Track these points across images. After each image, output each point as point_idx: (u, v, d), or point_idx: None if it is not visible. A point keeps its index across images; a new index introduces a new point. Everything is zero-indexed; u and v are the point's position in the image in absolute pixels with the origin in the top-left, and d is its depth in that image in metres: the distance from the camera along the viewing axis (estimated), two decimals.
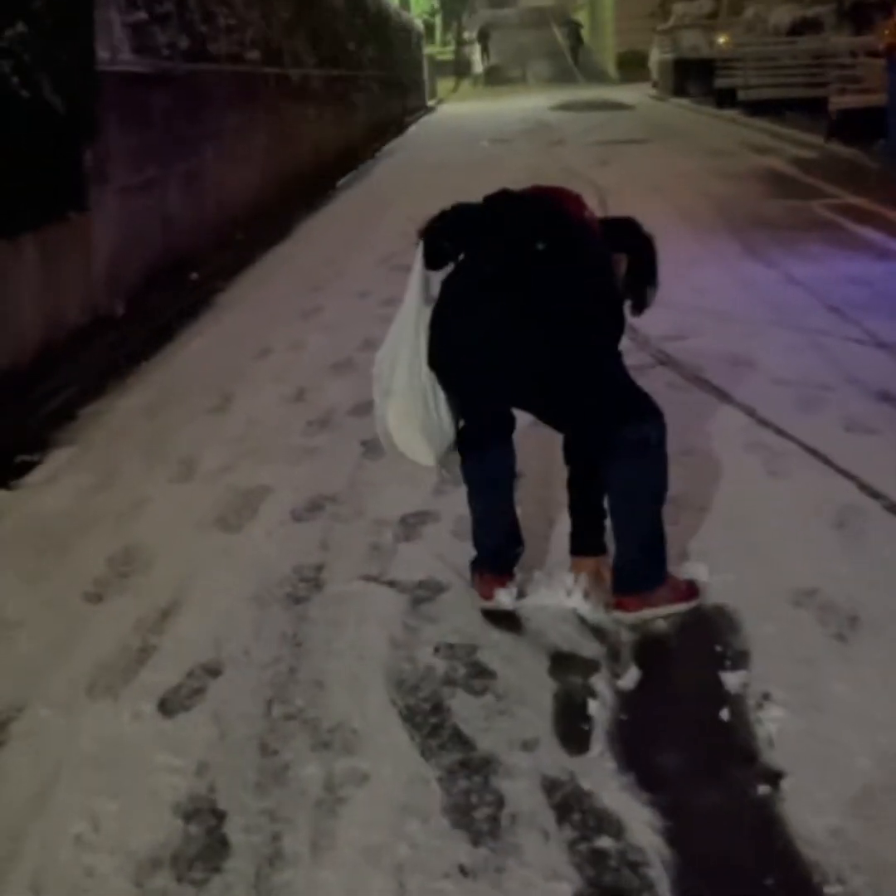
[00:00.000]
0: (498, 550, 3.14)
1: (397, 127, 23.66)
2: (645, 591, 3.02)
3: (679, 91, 28.85)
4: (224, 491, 4.06)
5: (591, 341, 2.85)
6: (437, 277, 2.98)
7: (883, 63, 13.18)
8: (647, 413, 2.92)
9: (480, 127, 22.53)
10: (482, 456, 3.10)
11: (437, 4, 53.56)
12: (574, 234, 2.88)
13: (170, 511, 3.93)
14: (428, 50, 31.90)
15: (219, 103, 9.46)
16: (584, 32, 56.42)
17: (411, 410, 2.95)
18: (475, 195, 3.07)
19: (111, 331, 6.32)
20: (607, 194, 11.26)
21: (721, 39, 28.69)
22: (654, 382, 4.98)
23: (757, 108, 20.90)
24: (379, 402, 3.02)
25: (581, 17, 61.25)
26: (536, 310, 2.78)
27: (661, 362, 5.29)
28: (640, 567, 3.03)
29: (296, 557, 3.49)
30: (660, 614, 3.02)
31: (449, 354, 2.90)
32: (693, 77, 27.54)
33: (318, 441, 4.59)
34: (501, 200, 2.99)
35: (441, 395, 2.96)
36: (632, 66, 42.10)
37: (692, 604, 3.07)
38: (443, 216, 3.02)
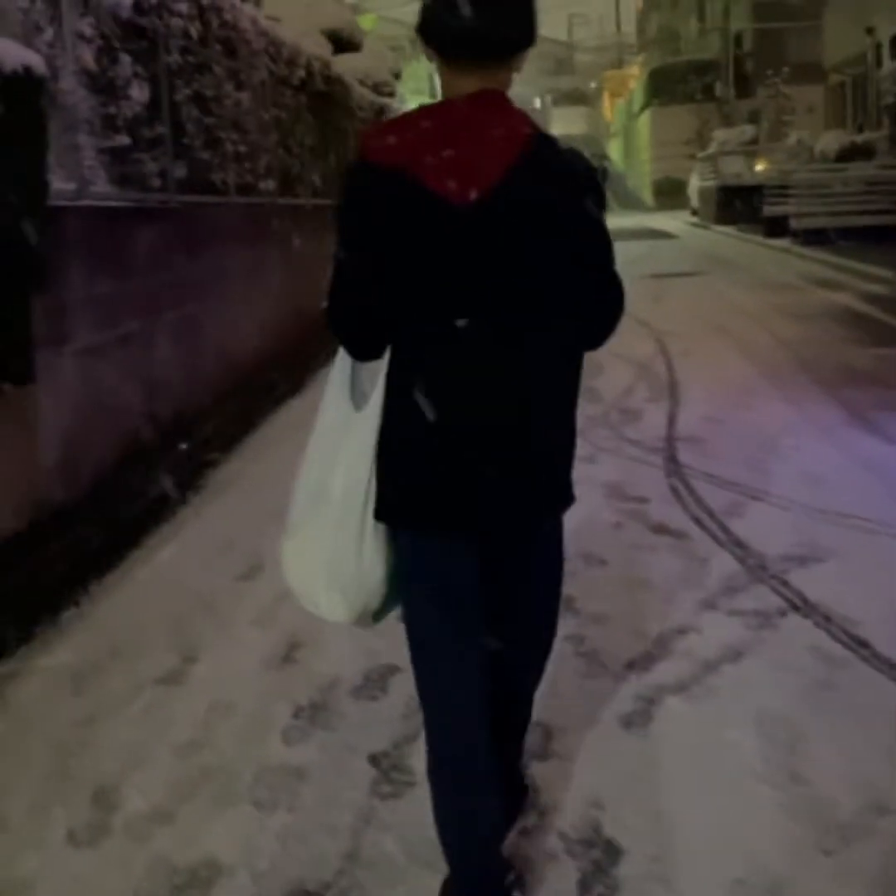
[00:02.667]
0: (486, 873, 2.06)
1: None
2: None
3: (723, 218, 27.98)
4: (147, 871, 2.54)
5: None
6: (370, 371, 2.08)
7: None
8: None
9: None
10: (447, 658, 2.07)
11: None
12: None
13: None
14: None
15: (223, 240, 8.20)
16: (619, 159, 56.78)
17: (313, 543, 2.05)
18: None
19: (60, 535, 4.89)
20: (666, 338, 9.95)
21: (759, 166, 28.00)
22: (789, 645, 3.49)
23: (808, 237, 19.82)
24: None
25: (615, 144, 61.86)
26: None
27: (794, 606, 3.77)
28: None
29: None
30: None
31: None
32: (737, 204, 26.76)
33: (305, 754, 3.07)
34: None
35: (370, 522, 2.00)
36: (668, 194, 41.72)
37: None
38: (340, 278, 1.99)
